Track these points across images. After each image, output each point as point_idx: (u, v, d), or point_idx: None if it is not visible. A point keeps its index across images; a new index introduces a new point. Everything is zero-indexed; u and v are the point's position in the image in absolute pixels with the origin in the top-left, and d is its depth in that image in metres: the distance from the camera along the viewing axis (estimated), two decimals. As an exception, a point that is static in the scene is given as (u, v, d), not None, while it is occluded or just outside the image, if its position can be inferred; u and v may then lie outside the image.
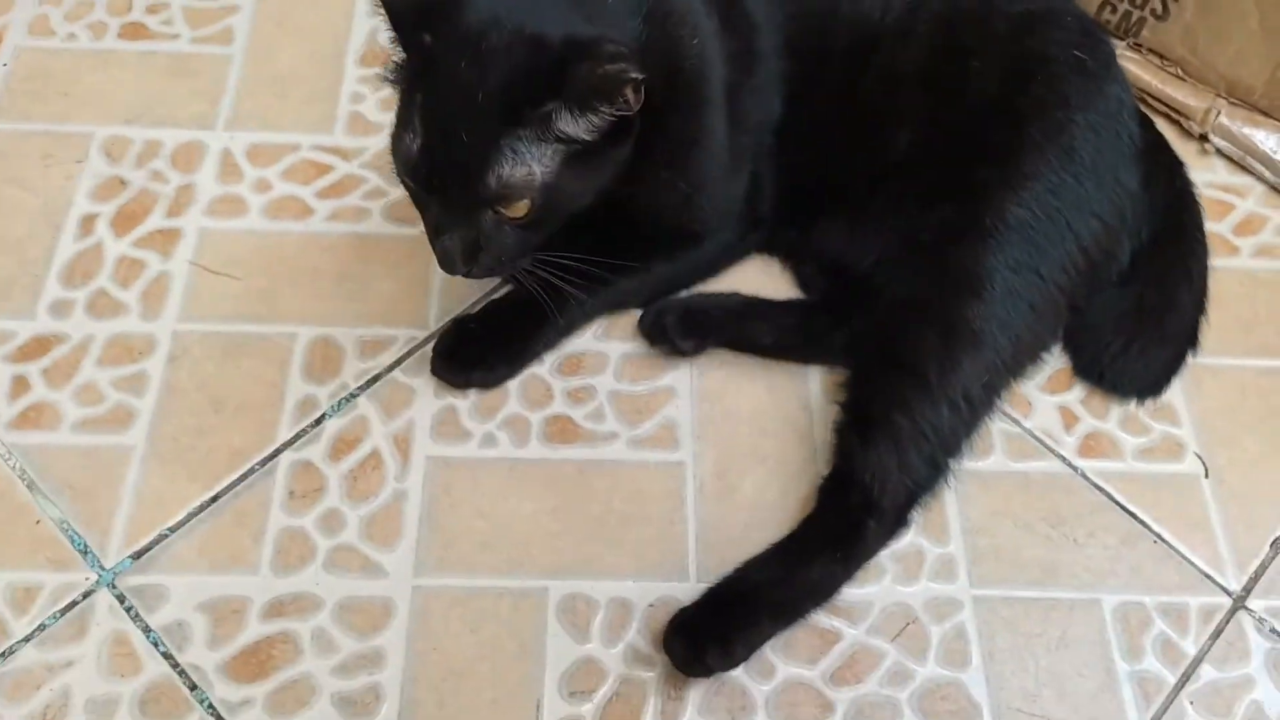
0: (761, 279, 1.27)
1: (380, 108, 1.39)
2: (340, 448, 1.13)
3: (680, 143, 1.09)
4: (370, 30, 1.47)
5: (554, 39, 0.91)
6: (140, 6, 1.47)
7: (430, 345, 1.18)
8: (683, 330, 1.18)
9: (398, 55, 0.98)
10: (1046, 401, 1.21)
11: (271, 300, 1.22)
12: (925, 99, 1.15)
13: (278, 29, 1.46)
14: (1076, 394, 1.22)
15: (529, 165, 0.93)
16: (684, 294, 1.23)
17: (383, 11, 0.94)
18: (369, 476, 1.11)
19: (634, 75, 0.90)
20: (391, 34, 0.95)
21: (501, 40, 0.90)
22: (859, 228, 1.19)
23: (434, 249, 1.00)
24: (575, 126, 0.93)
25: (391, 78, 0.99)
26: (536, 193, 0.95)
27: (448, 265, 0.99)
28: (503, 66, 0.90)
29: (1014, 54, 1.15)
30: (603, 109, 0.92)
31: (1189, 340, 1.24)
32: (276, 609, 1.03)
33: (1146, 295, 1.22)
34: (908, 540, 1.10)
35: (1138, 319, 1.22)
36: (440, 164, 0.94)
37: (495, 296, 1.23)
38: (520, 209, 0.96)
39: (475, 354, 1.17)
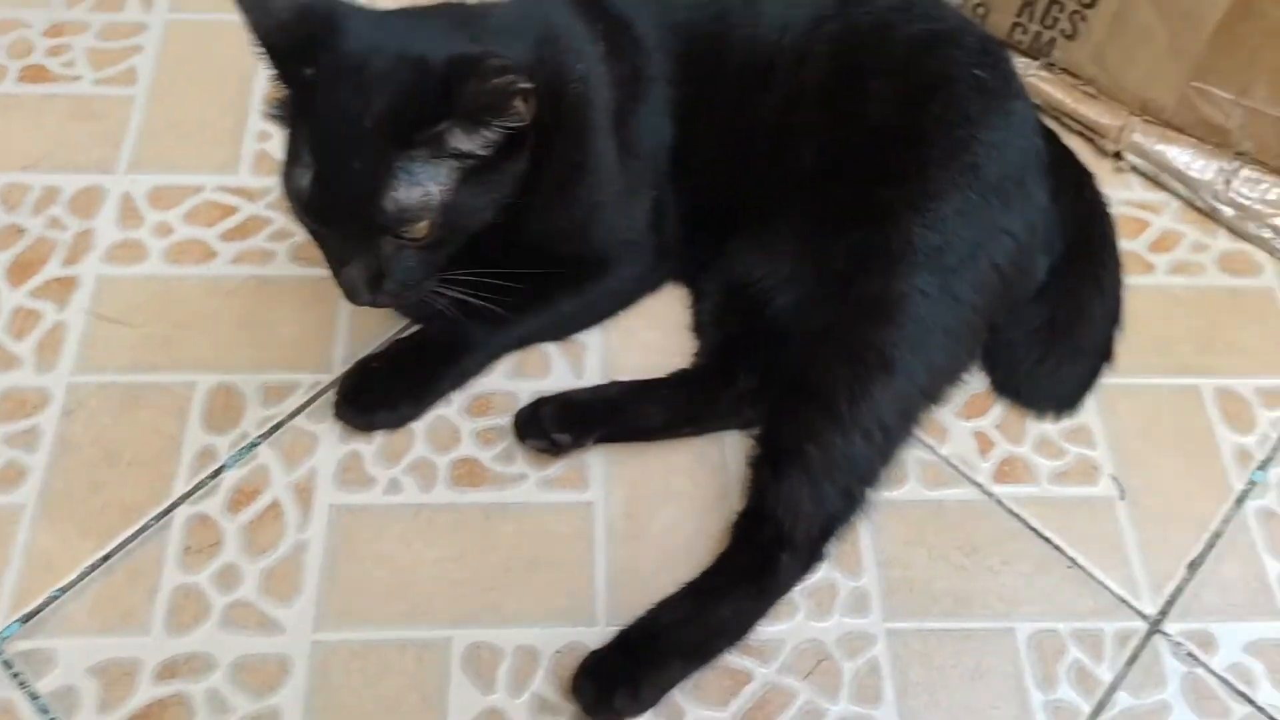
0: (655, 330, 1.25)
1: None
2: (239, 499, 1.10)
3: (567, 167, 1.08)
4: (279, 67, 1.45)
5: (438, 59, 0.91)
6: (42, 49, 1.45)
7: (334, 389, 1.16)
8: (558, 423, 1.12)
9: (280, 92, 0.97)
10: (962, 427, 1.20)
11: (170, 348, 1.19)
12: (825, 118, 1.14)
13: (182, 68, 1.44)
14: (992, 419, 1.21)
15: (424, 186, 0.92)
16: (559, 390, 1.17)
17: (262, 48, 0.92)
18: (268, 528, 1.09)
19: (522, 85, 0.90)
20: (273, 70, 0.94)
21: (384, 65, 0.90)
22: (770, 252, 1.17)
23: (338, 281, 0.98)
24: (469, 143, 0.93)
25: (277, 114, 0.98)
26: (435, 213, 0.94)
27: (353, 295, 0.98)
28: (388, 91, 0.90)
29: (913, 74, 1.14)
30: (495, 123, 0.92)
31: (1103, 354, 1.24)
32: (169, 670, 1.00)
33: (1059, 309, 1.21)
34: (820, 574, 1.09)
35: (1051, 333, 1.21)
36: (334, 194, 0.93)
37: (401, 336, 1.20)
38: (421, 230, 0.95)
39: (379, 395, 1.15)
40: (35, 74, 1.42)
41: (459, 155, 0.93)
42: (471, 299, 1.03)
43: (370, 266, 0.96)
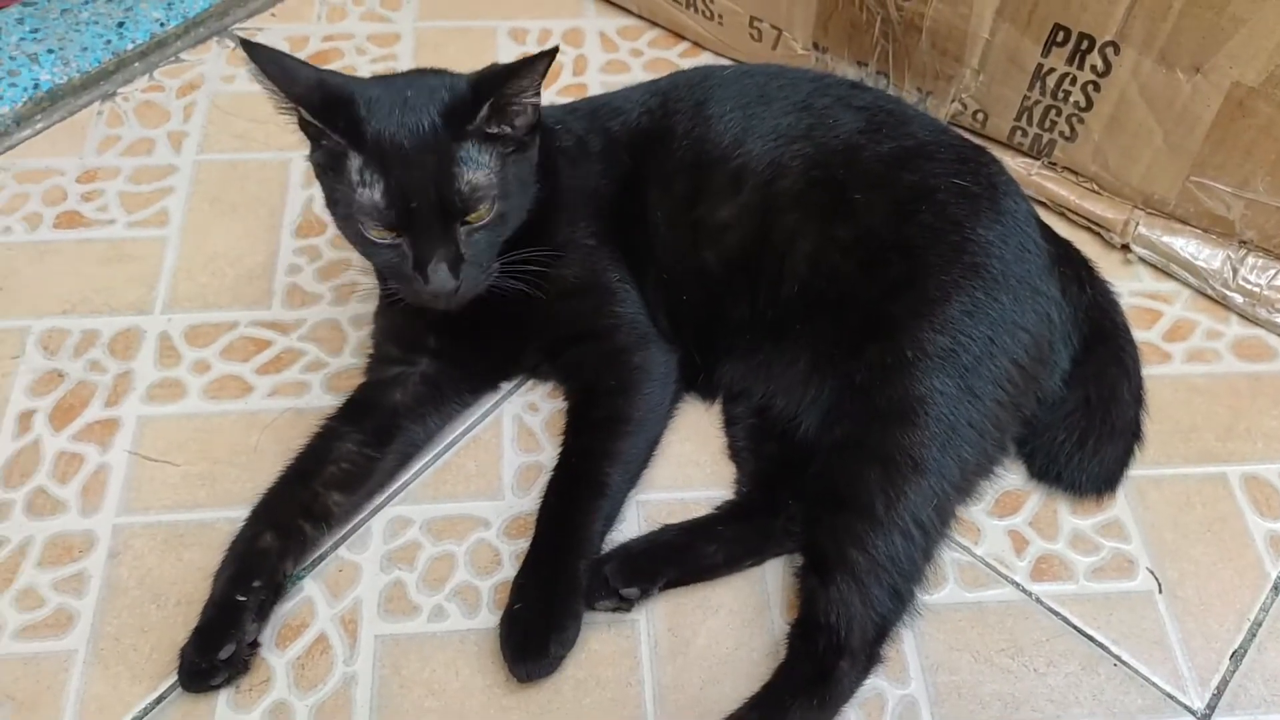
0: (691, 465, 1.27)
1: (316, 277, 1.41)
2: (286, 634, 1.11)
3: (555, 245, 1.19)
4: (305, 201, 1.50)
5: (459, 81, 1.09)
6: (75, 194, 1.49)
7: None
8: (625, 579, 1.12)
9: (320, 142, 1.07)
10: (995, 526, 1.21)
11: (212, 485, 1.21)
12: (810, 225, 1.19)
13: (212, 207, 1.49)
14: (1025, 516, 1.22)
15: (483, 168, 1.07)
16: (613, 546, 1.17)
17: (297, 107, 1.05)
18: (317, 662, 1.09)
19: (524, 59, 1.04)
20: (311, 121, 1.05)
21: (421, 92, 1.07)
22: (784, 378, 1.21)
23: (420, 287, 1.07)
24: (502, 126, 1.08)
25: (320, 162, 1.09)
26: (495, 189, 1.08)
27: (443, 287, 1.07)
28: (435, 104, 1.06)
29: (893, 189, 1.18)
30: (515, 101, 1.07)
31: (1134, 433, 1.26)
32: (226, 814, 1.00)
33: (1091, 393, 1.23)
34: (868, 684, 1.09)
35: (1086, 416, 1.23)
36: (410, 193, 1.04)
37: (518, 581, 1.13)
38: (484, 211, 1.08)
39: (540, 630, 1.08)
40: (70, 219, 1.47)
41: (498, 138, 1.08)
42: (522, 280, 1.13)
43: (451, 254, 1.07)
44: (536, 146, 1.15)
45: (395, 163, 1.04)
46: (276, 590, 1.12)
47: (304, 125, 1.07)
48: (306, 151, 1.10)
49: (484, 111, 1.05)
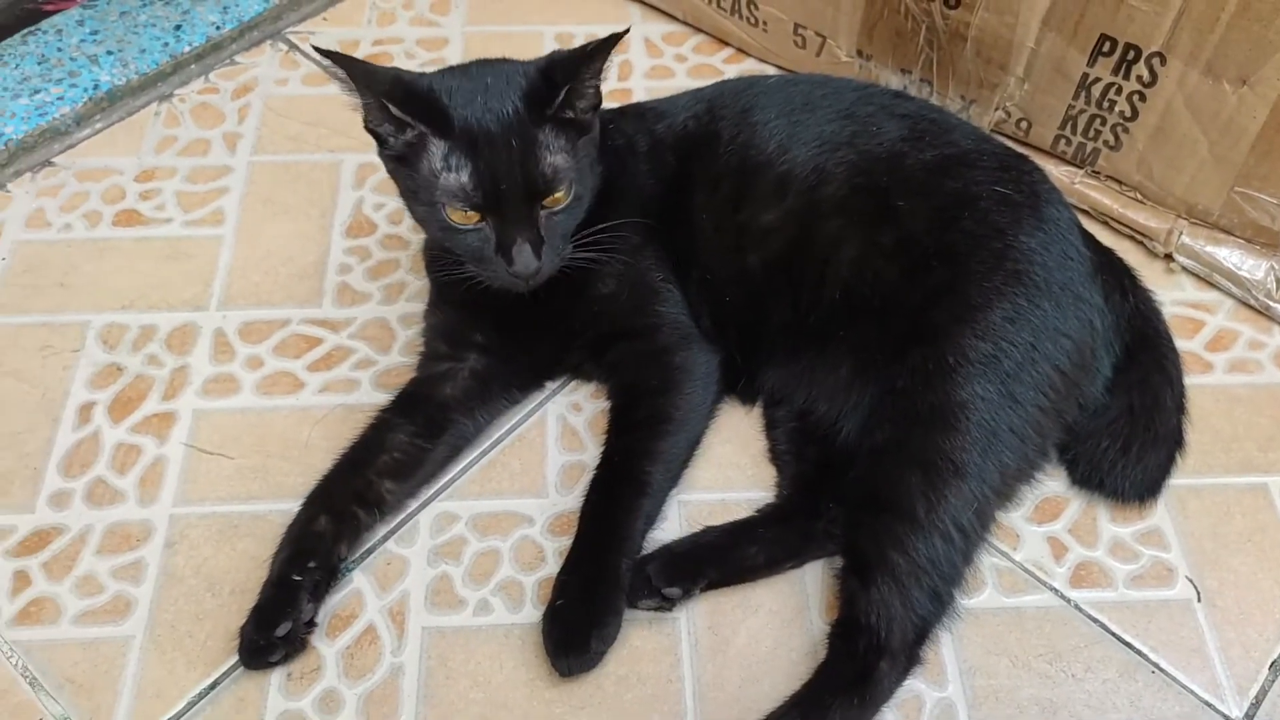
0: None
1: (366, 277, 1.44)
2: (336, 624, 1.14)
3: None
4: (356, 201, 1.53)
5: (531, 68, 1.13)
6: (134, 193, 1.53)
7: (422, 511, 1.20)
8: (667, 578, 1.14)
9: (398, 136, 1.11)
10: (1034, 533, 1.22)
11: (265, 478, 1.25)
12: (853, 231, 1.20)
13: (266, 207, 1.52)
14: (1064, 523, 1.23)
15: (561, 151, 1.11)
16: (653, 547, 1.18)
17: (382, 101, 1.07)
18: (365, 652, 1.12)
19: (594, 42, 1.08)
20: (398, 114, 1.08)
21: (499, 81, 1.11)
22: (827, 384, 1.22)
23: (503, 270, 1.12)
24: (574, 109, 1.12)
25: (396, 155, 1.12)
26: (572, 171, 1.12)
27: (527, 267, 1.11)
28: (514, 92, 1.10)
29: (936, 197, 1.20)
30: (587, 83, 1.11)
31: (1177, 440, 1.26)
32: (277, 797, 1.03)
33: (1134, 400, 1.24)
34: (906, 686, 1.10)
35: (1130, 423, 1.23)
36: (498, 176, 1.08)
37: (561, 577, 1.15)
38: (561, 195, 1.12)
39: (582, 626, 1.11)
40: (128, 218, 1.51)
41: (570, 123, 1.12)
42: (596, 256, 1.18)
43: (533, 236, 1.11)
44: (598, 129, 1.18)
45: (483, 147, 1.08)
46: (331, 572, 1.15)
47: (378, 123, 1.10)
48: (360, 153, 1.13)
49: (560, 97, 1.09)
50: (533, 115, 1.09)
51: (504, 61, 1.16)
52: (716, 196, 1.25)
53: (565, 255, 1.16)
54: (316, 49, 1.08)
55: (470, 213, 1.10)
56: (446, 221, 1.11)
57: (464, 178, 1.08)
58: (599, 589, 1.11)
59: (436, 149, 1.09)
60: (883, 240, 1.19)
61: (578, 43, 1.71)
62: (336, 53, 1.05)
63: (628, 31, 1.10)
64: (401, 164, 1.12)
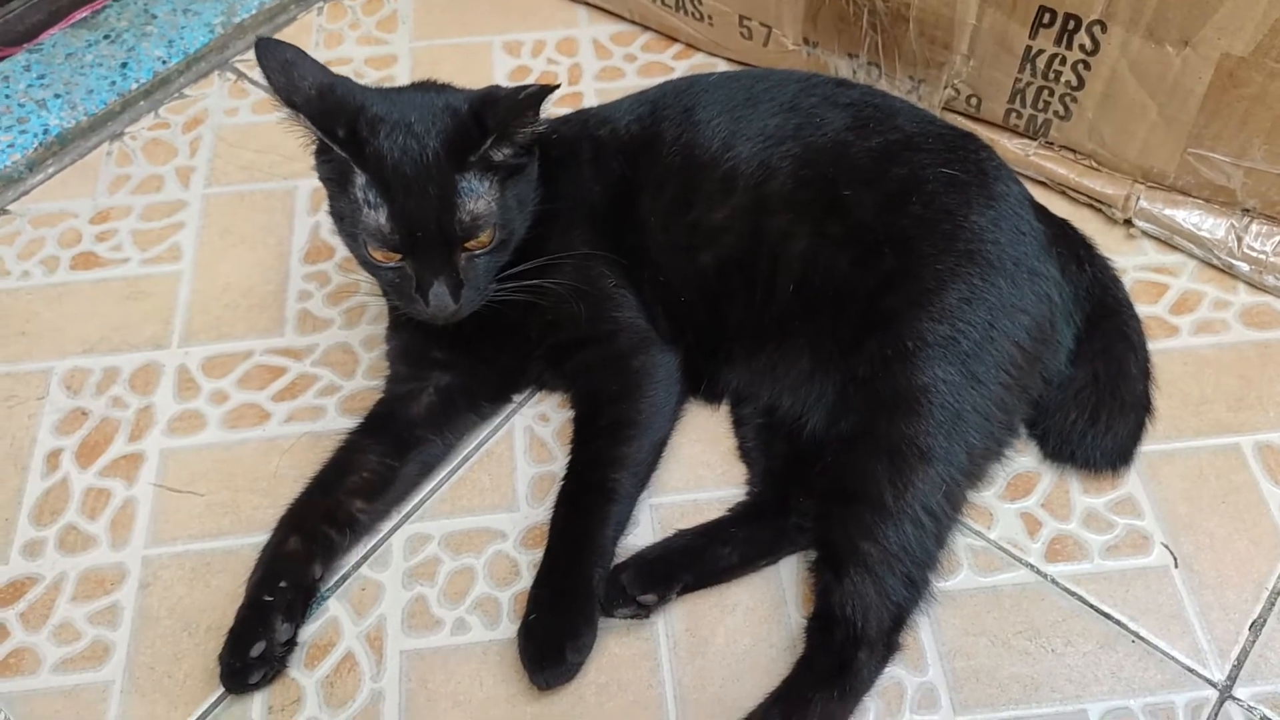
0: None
1: (326, 302, 1.44)
2: (314, 653, 1.14)
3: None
4: (313, 227, 1.52)
5: (462, 105, 1.10)
6: (90, 235, 1.53)
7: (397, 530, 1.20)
8: (642, 585, 1.14)
9: (323, 160, 1.11)
10: (1007, 510, 1.22)
11: (236, 512, 1.24)
12: (802, 224, 1.20)
13: (223, 239, 1.52)
14: (1037, 498, 1.23)
15: (484, 197, 1.10)
16: (627, 553, 1.18)
17: (298, 114, 1.06)
18: (345, 680, 1.12)
19: (529, 90, 1.06)
20: (314, 131, 1.07)
21: (424, 118, 1.08)
22: (787, 378, 1.23)
23: (422, 307, 1.11)
24: (504, 153, 1.11)
25: (329, 177, 1.12)
26: (496, 216, 1.11)
27: (443, 310, 1.11)
28: (437, 131, 1.08)
29: (883, 183, 1.19)
30: (519, 132, 1.10)
31: (1145, 406, 1.27)
32: (264, 833, 1.03)
33: (1098, 369, 1.24)
34: (886, 674, 1.10)
35: (1096, 392, 1.23)
36: (413, 221, 1.07)
37: (533, 591, 1.14)
38: (485, 237, 1.11)
39: (557, 638, 1.10)
40: (85, 260, 1.50)
41: (498, 166, 1.11)
42: (521, 298, 1.16)
43: (452, 279, 1.10)
44: (535, 164, 1.17)
45: (398, 189, 1.07)
46: (306, 592, 1.15)
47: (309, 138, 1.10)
48: (314, 178, 1.13)
49: (487, 143, 1.08)
50: (453, 161, 1.08)
51: (440, 90, 1.15)
52: (664, 198, 1.25)
53: (488, 294, 1.15)
54: (259, 40, 1.07)
55: (390, 252, 1.09)
56: (367, 256, 1.11)
57: (382, 219, 1.07)
58: (572, 600, 1.11)
59: (358, 179, 1.08)
60: (832, 231, 1.18)
61: (526, 50, 1.72)
62: (272, 47, 1.06)
63: (558, 87, 1.09)
64: (332, 185, 1.12)
